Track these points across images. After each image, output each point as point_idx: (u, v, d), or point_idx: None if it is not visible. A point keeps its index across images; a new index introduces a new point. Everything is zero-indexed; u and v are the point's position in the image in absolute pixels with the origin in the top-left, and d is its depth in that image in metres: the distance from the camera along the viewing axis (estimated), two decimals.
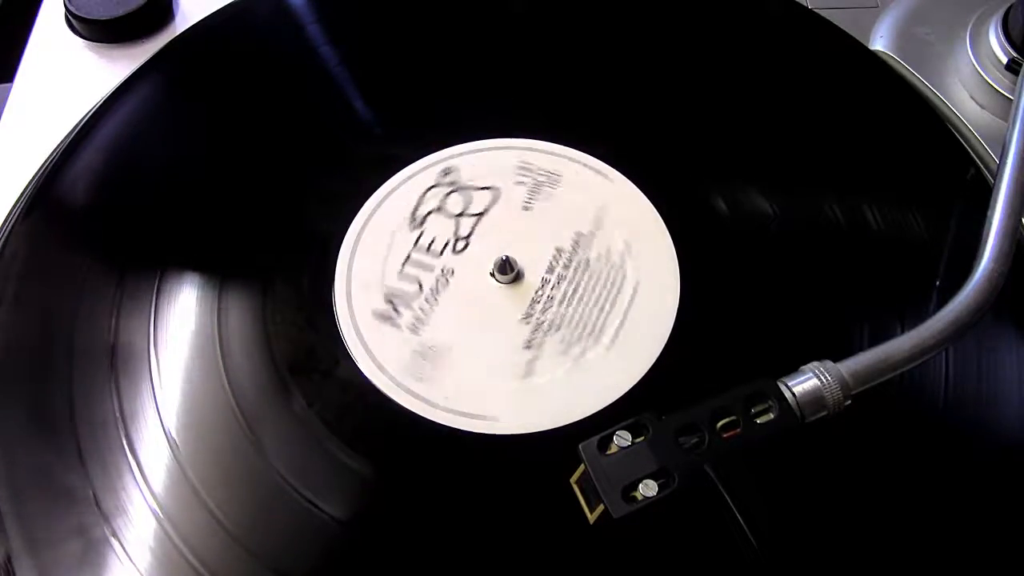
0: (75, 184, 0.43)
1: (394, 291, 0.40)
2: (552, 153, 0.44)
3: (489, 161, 0.44)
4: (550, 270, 0.40)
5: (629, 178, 0.43)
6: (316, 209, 0.42)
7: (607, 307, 0.39)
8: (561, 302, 0.39)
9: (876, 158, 0.44)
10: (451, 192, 0.42)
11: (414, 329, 0.39)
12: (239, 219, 0.42)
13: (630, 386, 0.37)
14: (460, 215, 0.42)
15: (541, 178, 0.42)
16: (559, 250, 0.41)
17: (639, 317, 0.39)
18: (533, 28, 0.49)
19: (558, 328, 0.38)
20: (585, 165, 0.43)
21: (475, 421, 0.36)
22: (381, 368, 0.37)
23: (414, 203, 0.42)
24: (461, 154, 0.44)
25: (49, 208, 0.42)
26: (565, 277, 0.40)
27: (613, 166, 0.43)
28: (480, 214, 0.42)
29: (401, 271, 0.40)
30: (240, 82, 0.47)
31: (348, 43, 0.48)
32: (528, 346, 0.38)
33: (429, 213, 0.42)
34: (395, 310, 0.39)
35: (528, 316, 0.39)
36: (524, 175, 0.43)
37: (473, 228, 0.41)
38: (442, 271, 0.40)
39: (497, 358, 0.38)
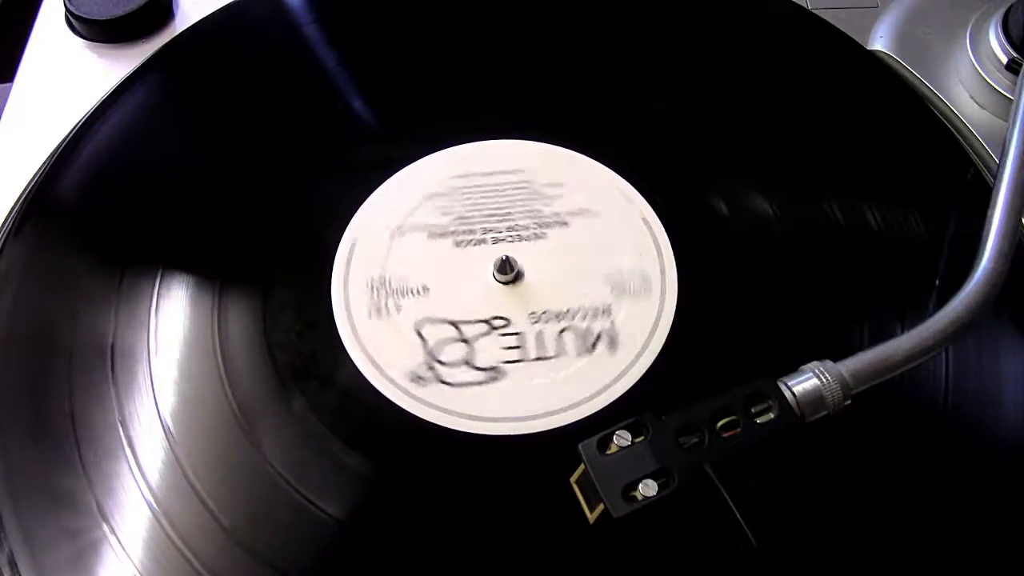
0: (75, 184, 0.43)
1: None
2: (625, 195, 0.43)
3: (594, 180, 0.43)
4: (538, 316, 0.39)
5: (624, 177, 0.43)
6: (316, 209, 0.42)
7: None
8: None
9: (876, 158, 0.44)
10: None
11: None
12: (238, 220, 0.42)
13: (630, 386, 0.37)
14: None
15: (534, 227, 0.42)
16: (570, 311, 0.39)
17: (638, 318, 0.39)
18: (535, 26, 0.49)
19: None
20: (650, 229, 0.42)
21: (457, 419, 0.36)
22: (379, 368, 0.37)
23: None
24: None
25: (49, 209, 0.42)
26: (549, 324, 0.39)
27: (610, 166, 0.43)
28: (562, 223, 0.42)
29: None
30: (240, 82, 0.47)
31: (347, 43, 0.48)
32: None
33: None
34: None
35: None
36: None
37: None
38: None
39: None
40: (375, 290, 0.40)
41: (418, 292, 0.39)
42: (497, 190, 0.43)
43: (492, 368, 0.38)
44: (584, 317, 0.39)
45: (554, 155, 0.44)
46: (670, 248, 0.41)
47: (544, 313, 0.39)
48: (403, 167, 0.43)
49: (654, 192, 0.42)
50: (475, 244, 0.41)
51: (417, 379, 0.37)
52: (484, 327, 0.39)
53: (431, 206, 0.42)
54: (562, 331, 0.39)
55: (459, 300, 0.39)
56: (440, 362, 0.38)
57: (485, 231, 0.41)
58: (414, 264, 0.40)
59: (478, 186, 0.43)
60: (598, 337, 0.38)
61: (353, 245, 0.41)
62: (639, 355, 0.38)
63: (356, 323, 0.39)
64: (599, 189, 0.43)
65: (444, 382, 0.37)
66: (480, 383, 0.37)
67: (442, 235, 0.41)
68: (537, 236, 0.41)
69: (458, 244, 0.41)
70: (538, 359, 0.38)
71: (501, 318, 0.39)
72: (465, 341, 0.38)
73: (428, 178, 0.43)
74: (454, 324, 0.39)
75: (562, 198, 0.42)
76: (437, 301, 0.39)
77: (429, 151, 0.44)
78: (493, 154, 0.44)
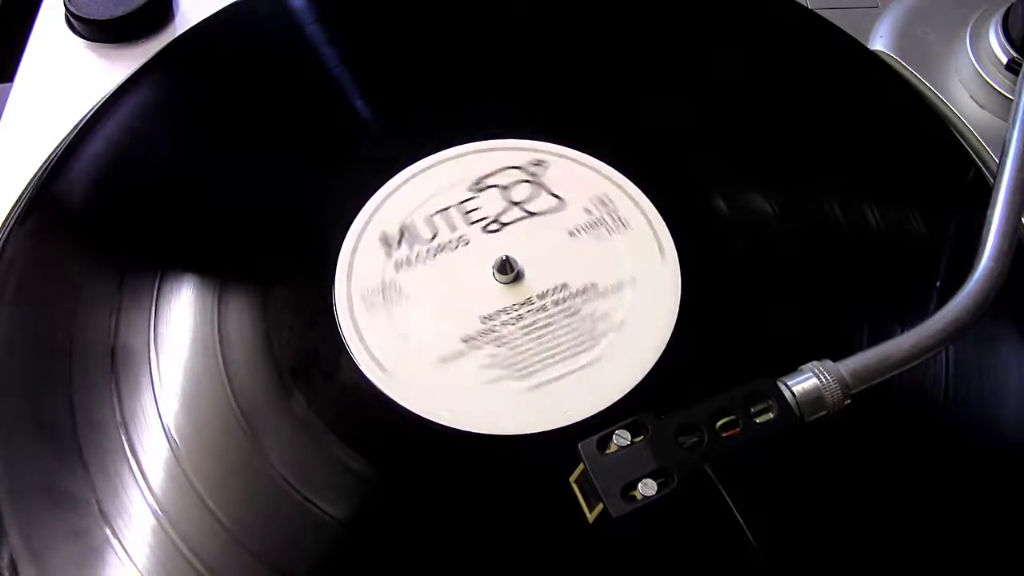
0: (75, 184, 0.43)
1: (412, 226, 0.41)
2: (634, 200, 0.42)
3: (578, 176, 0.43)
4: (542, 295, 0.40)
5: (630, 177, 0.43)
6: (316, 209, 0.42)
7: (555, 359, 0.38)
8: (524, 327, 0.39)
9: (876, 158, 0.44)
10: (525, 182, 0.42)
11: (398, 265, 0.40)
12: (240, 219, 0.42)
13: (630, 386, 0.37)
14: (516, 204, 0.42)
15: (607, 218, 0.42)
16: (564, 285, 0.40)
17: (636, 319, 0.39)
18: (535, 26, 0.49)
19: (500, 345, 0.38)
20: (652, 229, 0.42)
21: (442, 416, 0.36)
22: (382, 368, 0.37)
23: (488, 171, 0.43)
24: (558, 155, 0.44)
25: (49, 208, 0.42)
26: (547, 310, 0.39)
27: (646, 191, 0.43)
28: (532, 213, 0.42)
29: (431, 216, 0.41)
30: (240, 83, 0.47)
31: (348, 43, 0.48)
32: (466, 341, 0.38)
33: (493, 186, 0.42)
34: (399, 242, 0.40)
35: (490, 318, 0.39)
36: (597, 207, 0.42)
37: (516, 220, 0.42)
38: (460, 237, 0.41)
39: (435, 331, 0.38)
40: (397, 219, 0.40)
41: (430, 240, 0.40)
42: (484, 193, 0.43)
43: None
44: (527, 353, 0.38)
45: (634, 200, 0.43)
46: (672, 248, 0.41)
47: (503, 326, 0.39)
48: (404, 167, 0.43)
49: (655, 191, 0.42)
50: (505, 234, 0.41)
51: (368, 306, 0.38)
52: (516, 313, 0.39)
53: (501, 181, 0.42)
54: (501, 350, 0.38)
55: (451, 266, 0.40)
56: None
57: (461, 244, 0.41)
58: (445, 217, 0.41)
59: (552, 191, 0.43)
60: (523, 377, 0.38)
61: (355, 245, 0.41)
62: (639, 355, 0.38)
63: (359, 322, 0.39)
64: (646, 259, 0.41)
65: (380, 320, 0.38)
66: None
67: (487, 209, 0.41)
68: (502, 225, 0.42)
69: (493, 224, 0.41)
70: (463, 357, 0.38)
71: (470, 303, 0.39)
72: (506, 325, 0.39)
73: (516, 158, 0.43)
74: (486, 318, 0.39)
75: (609, 246, 0.42)
76: (461, 309, 0.39)
77: (430, 151, 0.44)
78: (585, 171, 0.44)
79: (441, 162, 0.43)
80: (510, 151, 0.44)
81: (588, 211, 0.42)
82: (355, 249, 0.41)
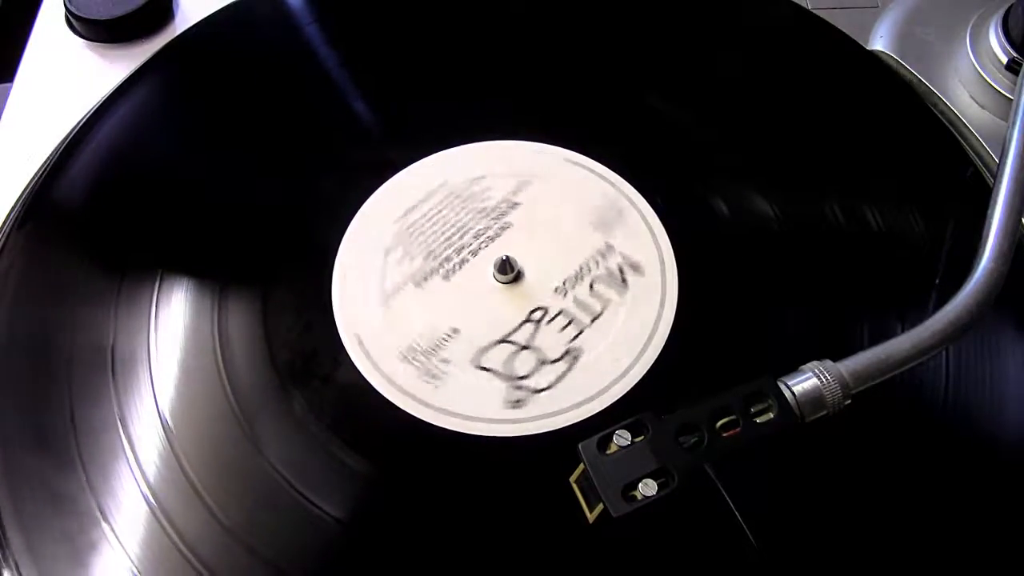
0: (75, 184, 0.43)
1: (407, 234, 0.41)
2: (626, 196, 0.43)
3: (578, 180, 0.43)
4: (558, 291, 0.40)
5: (632, 182, 0.43)
6: (316, 210, 0.42)
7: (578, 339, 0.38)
8: (547, 323, 0.39)
9: (876, 158, 0.44)
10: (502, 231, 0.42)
11: (400, 272, 0.40)
12: (239, 220, 0.42)
13: (630, 386, 0.37)
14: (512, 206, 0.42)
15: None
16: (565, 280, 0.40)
17: (635, 320, 0.39)
18: (535, 26, 0.49)
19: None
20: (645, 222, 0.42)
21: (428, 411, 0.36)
22: (379, 369, 0.37)
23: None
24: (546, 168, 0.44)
25: (48, 209, 0.42)
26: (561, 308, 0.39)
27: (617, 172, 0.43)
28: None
29: (423, 224, 0.41)
30: (240, 83, 0.47)
31: (348, 44, 0.48)
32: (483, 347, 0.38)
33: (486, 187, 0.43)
34: (398, 250, 0.40)
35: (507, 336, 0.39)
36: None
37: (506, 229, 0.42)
38: (460, 243, 0.41)
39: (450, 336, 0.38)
40: (386, 297, 0.40)
41: (449, 336, 0.39)
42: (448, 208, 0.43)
43: (565, 353, 0.38)
44: (596, 264, 0.40)
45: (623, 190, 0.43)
46: (671, 248, 0.41)
47: (564, 282, 0.39)
48: (404, 167, 0.43)
49: (654, 192, 0.42)
50: (459, 267, 0.41)
51: (516, 404, 0.37)
52: (530, 326, 0.39)
53: (395, 258, 0.41)
54: (591, 285, 0.39)
55: (487, 319, 0.39)
56: (522, 377, 0.37)
57: (459, 251, 0.41)
58: (425, 315, 0.39)
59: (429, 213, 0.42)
60: (621, 270, 0.39)
61: (355, 245, 0.41)
62: (639, 354, 0.38)
63: (358, 324, 0.39)
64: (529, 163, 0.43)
65: (540, 390, 0.37)
66: (566, 371, 0.37)
67: (427, 276, 0.40)
68: (502, 228, 0.42)
69: (445, 277, 0.40)
70: (593, 320, 0.38)
71: (537, 309, 0.39)
72: (525, 347, 0.38)
73: (428, 179, 0.43)
74: (504, 341, 0.38)
75: (493, 188, 0.43)
76: (471, 333, 0.39)
77: (431, 151, 0.44)
78: (495, 155, 0.44)
79: (402, 181, 0.43)
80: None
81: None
82: (355, 249, 0.41)
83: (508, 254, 0.39)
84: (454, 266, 0.40)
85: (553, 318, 0.39)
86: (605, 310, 0.39)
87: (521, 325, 0.39)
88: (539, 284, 0.40)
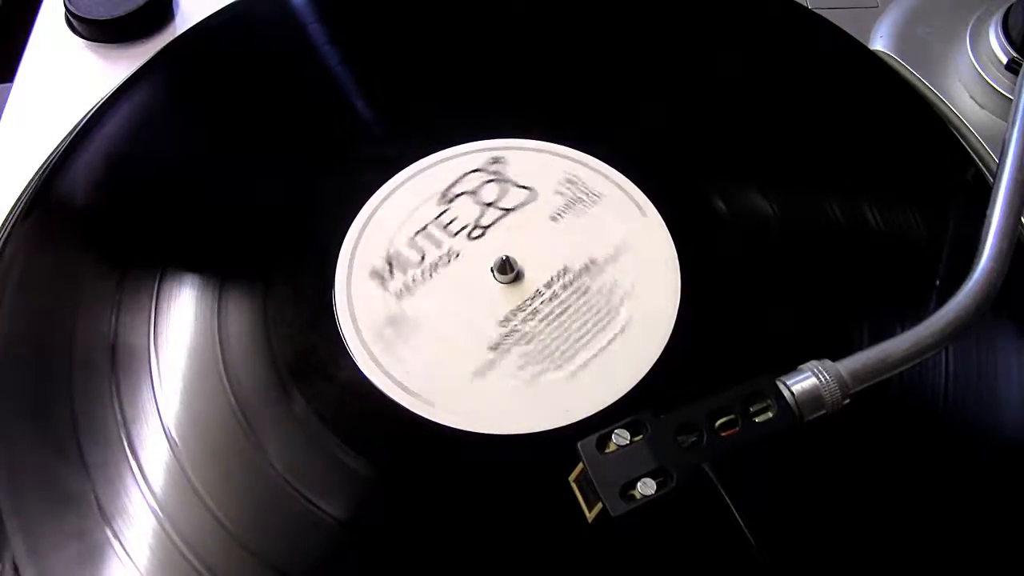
0: (75, 184, 0.43)
1: (397, 254, 0.40)
2: (600, 172, 0.43)
3: (540, 163, 0.43)
4: (548, 284, 0.40)
5: (641, 187, 0.43)
6: (316, 209, 0.42)
7: (585, 339, 0.38)
8: (543, 319, 0.39)
9: (876, 158, 0.44)
10: (491, 181, 0.42)
11: (399, 295, 0.39)
12: (240, 219, 0.42)
13: (630, 386, 0.37)
14: (489, 205, 0.42)
15: (581, 195, 0.42)
16: (566, 268, 0.40)
17: (635, 321, 0.39)
18: (535, 26, 0.49)
19: (528, 342, 0.38)
20: (624, 191, 0.42)
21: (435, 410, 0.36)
22: (381, 368, 0.37)
23: (451, 181, 0.42)
24: (513, 148, 0.44)
25: (49, 208, 0.42)
26: (559, 296, 0.39)
27: (620, 171, 0.43)
28: (508, 210, 0.42)
29: (412, 239, 0.41)
30: (240, 82, 0.47)
31: (348, 43, 0.48)
32: (494, 348, 0.38)
33: (461, 194, 0.42)
34: (390, 272, 0.40)
35: (507, 320, 0.39)
36: (567, 187, 0.42)
37: (496, 221, 0.42)
38: (448, 251, 0.40)
39: (459, 349, 0.38)
40: (381, 249, 0.40)
41: (453, 335, 0.39)
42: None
43: (567, 353, 0.38)
44: (555, 341, 0.38)
45: (601, 173, 0.43)
46: (672, 248, 0.41)
47: (524, 323, 0.39)
48: (404, 167, 0.43)
49: (655, 191, 0.42)
50: (491, 236, 0.41)
51: (517, 403, 0.37)
52: (534, 324, 0.39)
53: (467, 187, 0.42)
54: (591, 284, 0.39)
55: (490, 317, 0.39)
56: (524, 375, 0.37)
57: (460, 248, 0.41)
58: (427, 236, 0.40)
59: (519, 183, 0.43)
60: (560, 365, 0.38)
61: (355, 245, 0.41)
62: (639, 354, 0.38)
63: (359, 322, 0.39)
64: (631, 222, 0.42)
65: (541, 390, 0.37)
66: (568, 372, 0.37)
67: (430, 274, 0.40)
68: (506, 229, 0.42)
69: (476, 231, 0.41)
70: (593, 320, 0.39)
71: (538, 309, 0.39)
72: (528, 344, 0.38)
73: (474, 161, 0.43)
74: (507, 338, 0.38)
75: (593, 220, 0.42)
76: (475, 331, 0.39)
77: (431, 151, 0.44)
78: (545, 157, 0.44)
79: (401, 184, 0.43)
80: (464, 156, 0.44)
81: (560, 193, 0.42)
82: (356, 248, 0.41)
83: (508, 254, 0.39)
84: (455, 264, 0.40)
85: (556, 318, 0.39)
86: (605, 310, 0.39)
87: (525, 323, 0.39)
88: (539, 284, 0.40)
